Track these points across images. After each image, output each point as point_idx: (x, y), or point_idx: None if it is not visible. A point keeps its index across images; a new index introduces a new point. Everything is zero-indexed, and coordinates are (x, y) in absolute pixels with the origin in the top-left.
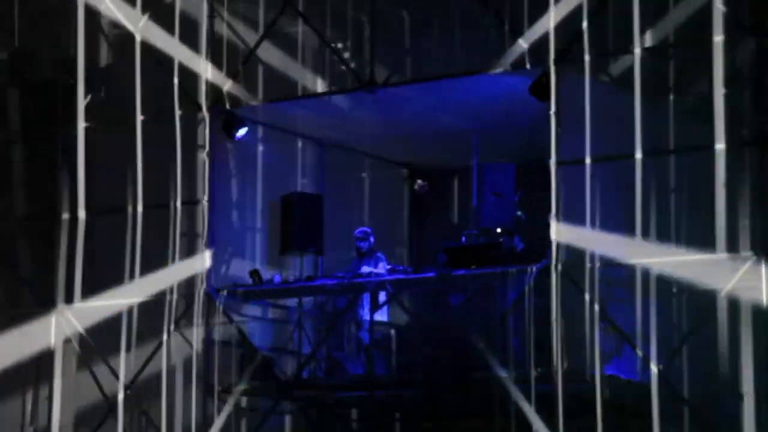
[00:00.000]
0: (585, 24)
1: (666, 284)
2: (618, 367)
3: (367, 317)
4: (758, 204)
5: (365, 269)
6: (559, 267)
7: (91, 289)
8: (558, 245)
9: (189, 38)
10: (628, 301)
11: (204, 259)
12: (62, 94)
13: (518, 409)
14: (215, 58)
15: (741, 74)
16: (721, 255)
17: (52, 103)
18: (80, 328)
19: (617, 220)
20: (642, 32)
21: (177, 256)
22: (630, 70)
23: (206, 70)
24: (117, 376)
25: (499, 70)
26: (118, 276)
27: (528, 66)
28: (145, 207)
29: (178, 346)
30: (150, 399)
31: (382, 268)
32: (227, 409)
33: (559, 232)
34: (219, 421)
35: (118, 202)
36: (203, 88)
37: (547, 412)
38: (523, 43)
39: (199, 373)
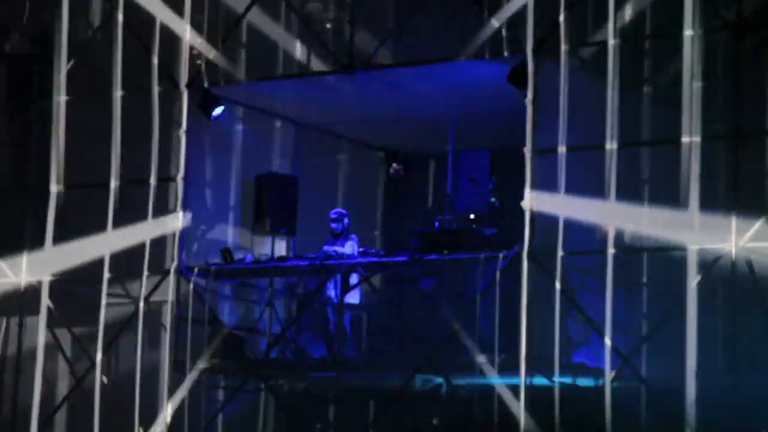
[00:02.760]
0: (562, 16)
1: (637, 273)
2: (586, 356)
3: (337, 299)
4: (732, 198)
5: (329, 248)
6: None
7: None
8: (532, 230)
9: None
10: (599, 290)
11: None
12: (38, 67)
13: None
14: (195, 34)
15: (715, 67)
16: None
17: (27, 77)
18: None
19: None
20: (617, 20)
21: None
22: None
23: (185, 47)
24: (90, 357)
25: (477, 56)
26: None
27: (506, 53)
28: (121, 182)
29: (149, 323)
30: (121, 376)
31: (350, 248)
32: (187, 384)
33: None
34: (180, 396)
35: (94, 177)
36: (182, 65)
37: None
38: (502, 31)
39: (170, 350)
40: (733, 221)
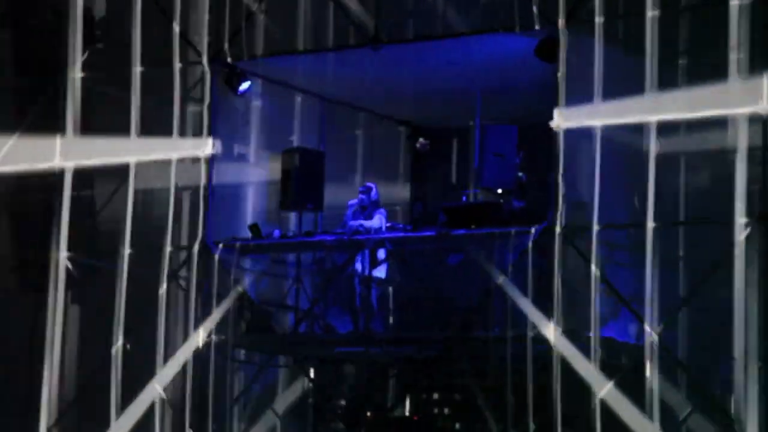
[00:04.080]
0: None
1: (669, 248)
2: (615, 330)
3: (365, 273)
4: None
5: (355, 223)
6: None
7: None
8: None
9: None
10: (629, 264)
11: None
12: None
13: (514, 368)
14: (218, 11)
15: (756, 39)
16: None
17: (46, 51)
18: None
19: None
20: None
21: (181, 207)
22: (638, 32)
23: (208, 23)
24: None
25: (505, 30)
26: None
27: (536, 26)
28: (145, 160)
29: (176, 298)
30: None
31: (378, 221)
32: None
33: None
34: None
35: (118, 155)
36: (205, 41)
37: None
38: (530, 3)
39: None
40: None
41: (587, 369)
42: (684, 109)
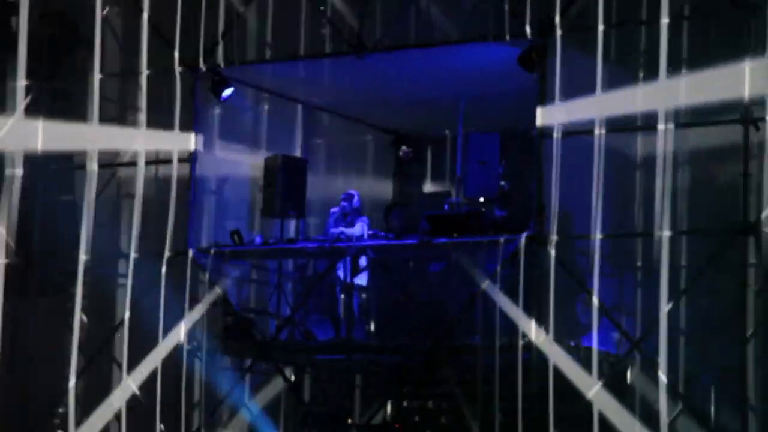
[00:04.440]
0: None
1: (648, 258)
2: (595, 340)
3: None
4: None
5: (337, 230)
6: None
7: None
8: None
9: None
10: (608, 274)
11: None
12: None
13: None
14: (204, 17)
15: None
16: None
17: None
18: None
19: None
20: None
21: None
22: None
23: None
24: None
25: (488, 39)
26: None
27: (515, 36)
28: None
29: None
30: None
31: (360, 228)
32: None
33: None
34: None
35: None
36: (200, 47)
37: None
38: (513, 13)
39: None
40: None
41: (576, 372)
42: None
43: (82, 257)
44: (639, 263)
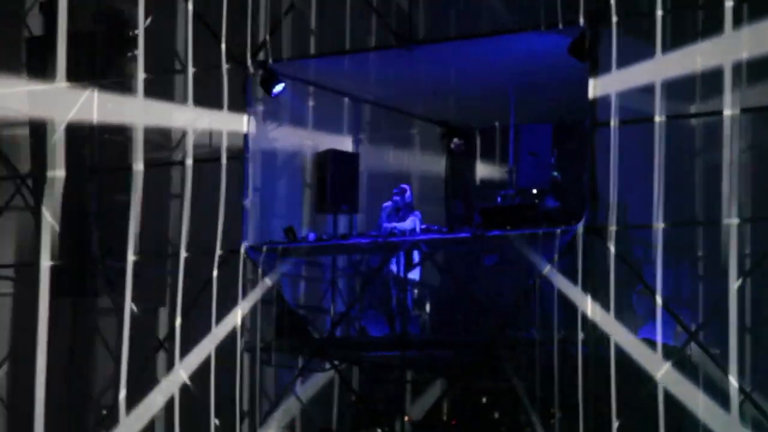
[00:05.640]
0: None
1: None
2: (652, 331)
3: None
4: None
5: (389, 225)
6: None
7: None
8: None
9: None
10: (666, 264)
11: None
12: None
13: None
14: (255, 14)
15: None
16: None
17: (91, 56)
18: None
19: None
20: None
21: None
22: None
23: (247, 25)
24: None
25: (538, 29)
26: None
27: (565, 25)
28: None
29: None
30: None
31: (412, 223)
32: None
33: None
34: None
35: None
36: (248, 43)
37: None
38: (564, 2)
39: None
40: None
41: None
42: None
43: (131, 258)
44: (700, 252)
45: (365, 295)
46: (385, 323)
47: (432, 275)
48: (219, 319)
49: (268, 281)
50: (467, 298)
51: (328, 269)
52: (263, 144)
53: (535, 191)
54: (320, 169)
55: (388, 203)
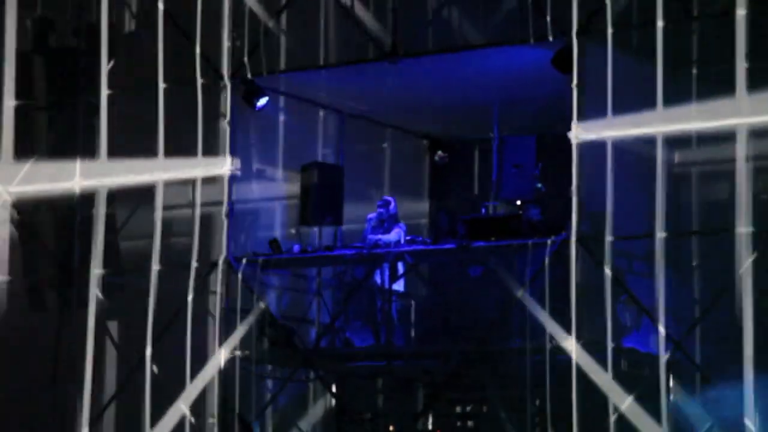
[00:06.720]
0: None
1: (686, 257)
2: (637, 340)
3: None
4: None
5: (374, 236)
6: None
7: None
8: (579, 215)
9: (211, 6)
10: (648, 274)
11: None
12: (83, 60)
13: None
14: (237, 27)
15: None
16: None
17: (73, 70)
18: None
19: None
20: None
21: (197, 225)
22: (652, 41)
23: (228, 39)
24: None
25: (521, 42)
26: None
27: (550, 38)
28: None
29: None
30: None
31: (396, 235)
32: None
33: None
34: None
35: (139, 171)
36: (225, 57)
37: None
38: (545, 15)
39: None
40: None
41: (607, 381)
42: (695, 120)
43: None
44: (695, 262)
45: (350, 307)
46: (370, 334)
47: (417, 286)
48: (201, 332)
49: (255, 294)
50: (452, 308)
51: (313, 281)
52: (248, 159)
53: (519, 202)
54: (305, 182)
55: (373, 215)
